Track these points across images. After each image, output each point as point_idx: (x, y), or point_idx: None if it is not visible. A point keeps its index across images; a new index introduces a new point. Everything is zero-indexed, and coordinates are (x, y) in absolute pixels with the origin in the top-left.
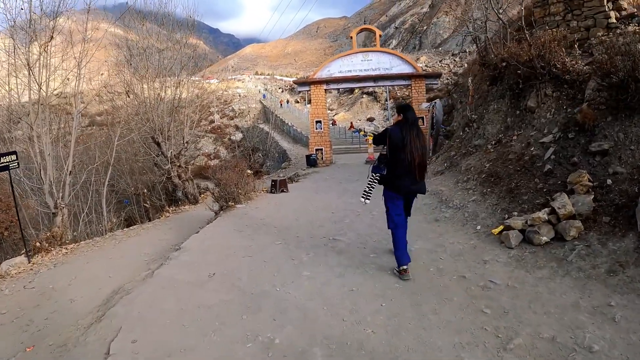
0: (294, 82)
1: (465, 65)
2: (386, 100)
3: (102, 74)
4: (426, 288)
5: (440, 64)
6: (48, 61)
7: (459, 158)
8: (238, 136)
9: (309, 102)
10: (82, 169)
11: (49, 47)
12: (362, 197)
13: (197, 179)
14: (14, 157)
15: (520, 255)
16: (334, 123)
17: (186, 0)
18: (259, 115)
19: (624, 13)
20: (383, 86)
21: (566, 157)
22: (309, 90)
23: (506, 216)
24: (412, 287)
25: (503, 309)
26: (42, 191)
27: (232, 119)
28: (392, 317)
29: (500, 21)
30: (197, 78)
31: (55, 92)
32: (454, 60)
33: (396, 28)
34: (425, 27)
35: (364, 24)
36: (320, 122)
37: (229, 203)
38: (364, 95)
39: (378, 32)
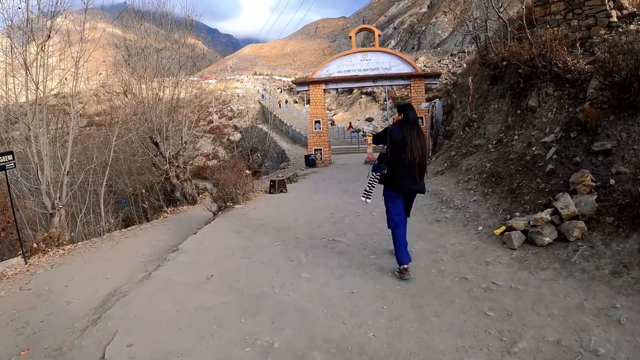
0: (293, 82)
1: (464, 65)
2: (385, 100)
3: (100, 74)
4: (427, 290)
5: (438, 64)
6: (45, 61)
7: (460, 158)
8: (237, 136)
9: (308, 102)
10: (80, 169)
11: (46, 47)
12: (363, 196)
13: (196, 180)
14: (10, 157)
15: (523, 257)
16: (332, 123)
17: (185, 0)
18: (257, 115)
19: (625, 12)
20: (382, 86)
21: (568, 157)
22: (308, 90)
23: (508, 217)
24: (413, 289)
25: (506, 311)
26: (40, 191)
27: (231, 119)
28: (393, 319)
29: (501, 20)
30: (195, 78)
31: (52, 92)
32: (453, 61)
33: (395, 28)
34: (423, 28)
35: (363, 24)
36: (319, 122)
37: (228, 203)
38: (363, 96)
39: (377, 31)
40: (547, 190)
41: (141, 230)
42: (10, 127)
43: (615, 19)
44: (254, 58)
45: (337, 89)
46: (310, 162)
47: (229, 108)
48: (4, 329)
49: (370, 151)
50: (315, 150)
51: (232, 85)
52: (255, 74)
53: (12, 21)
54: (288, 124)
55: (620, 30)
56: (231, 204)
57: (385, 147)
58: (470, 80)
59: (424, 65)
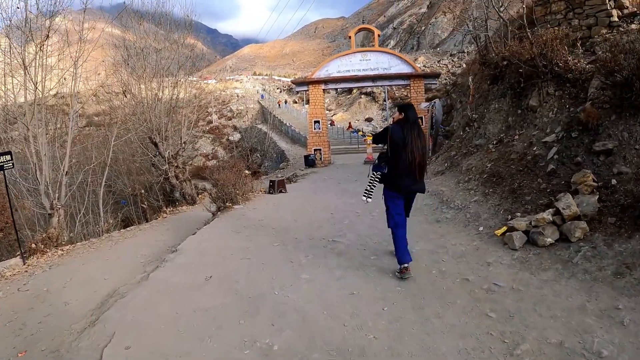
0: (292, 82)
1: (464, 65)
2: (384, 100)
3: (99, 74)
4: (428, 291)
5: (438, 64)
6: (44, 61)
7: (460, 158)
8: (236, 136)
9: (307, 102)
10: (79, 169)
11: (45, 46)
12: (364, 195)
13: (195, 180)
14: (8, 157)
15: (525, 257)
16: (332, 123)
17: (184, 0)
18: (257, 115)
19: (625, 11)
20: (382, 86)
21: (570, 157)
22: (307, 90)
23: (509, 217)
24: (414, 290)
25: (508, 312)
26: (38, 192)
27: (230, 119)
28: (394, 321)
29: (501, 19)
30: (194, 78)
31: (51, 92)
32: (452, 61)
33: (394, 28)
34: (423, 28)
35: (362, 24)
36: (318, 122)
37: (227, 204)
38: (362, 96)
39: (376, 31)
40: (548, 190)
41: (140, 231)
42: (8, 127)
43: (616, 19)
44: (253, 58)
45: (336, 89)
46: (309, 162)
47: (228, 108)
48: (2, 331)
49: (370, 151)
50: (315, 150)
51: (231, 86)
52: (254, 74)
53: (10, 21)
54: (287, 124)
55: (621, 29)
56: (230, 204)
57: (386, 146)
58: (470, 80)
59: (424, 66)
